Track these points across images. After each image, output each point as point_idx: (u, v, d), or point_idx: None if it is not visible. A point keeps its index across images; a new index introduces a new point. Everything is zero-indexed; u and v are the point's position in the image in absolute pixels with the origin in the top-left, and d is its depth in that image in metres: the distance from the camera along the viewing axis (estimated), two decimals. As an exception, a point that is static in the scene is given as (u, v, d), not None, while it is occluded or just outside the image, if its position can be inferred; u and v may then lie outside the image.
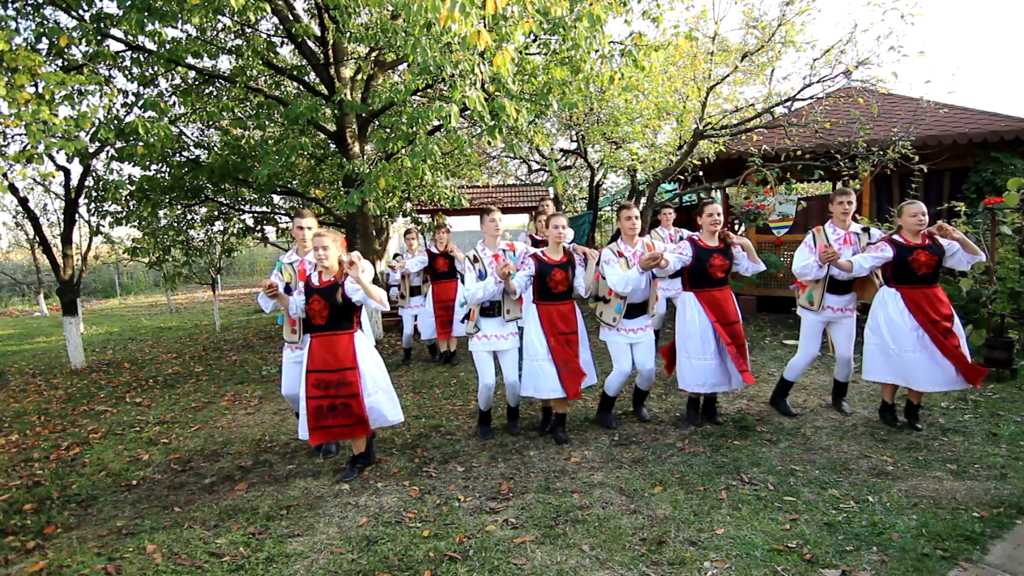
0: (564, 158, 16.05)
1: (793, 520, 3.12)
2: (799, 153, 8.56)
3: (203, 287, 14.51)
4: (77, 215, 8.95)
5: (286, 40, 7.91)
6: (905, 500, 3.28)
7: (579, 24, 5.34)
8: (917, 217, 4.16)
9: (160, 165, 8.01)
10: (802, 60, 30.77)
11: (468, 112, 5.48)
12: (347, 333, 3.82)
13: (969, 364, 4.02)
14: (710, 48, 8.62)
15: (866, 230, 4.53)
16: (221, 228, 10.37)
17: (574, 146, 14.70)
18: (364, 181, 6.25)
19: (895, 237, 4.26)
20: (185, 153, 8.27)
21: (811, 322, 4.63)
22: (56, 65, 6.39)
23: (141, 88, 7.15)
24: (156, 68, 7.04)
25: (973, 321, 6.11)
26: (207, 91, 7.72)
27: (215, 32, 7.51)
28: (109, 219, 8.49)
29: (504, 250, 4.43)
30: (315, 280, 3.85)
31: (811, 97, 8.67)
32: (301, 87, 8.59)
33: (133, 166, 7.71)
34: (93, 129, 5.95)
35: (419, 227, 9.85)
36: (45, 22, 6.03)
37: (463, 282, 4.50)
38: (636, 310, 4.48)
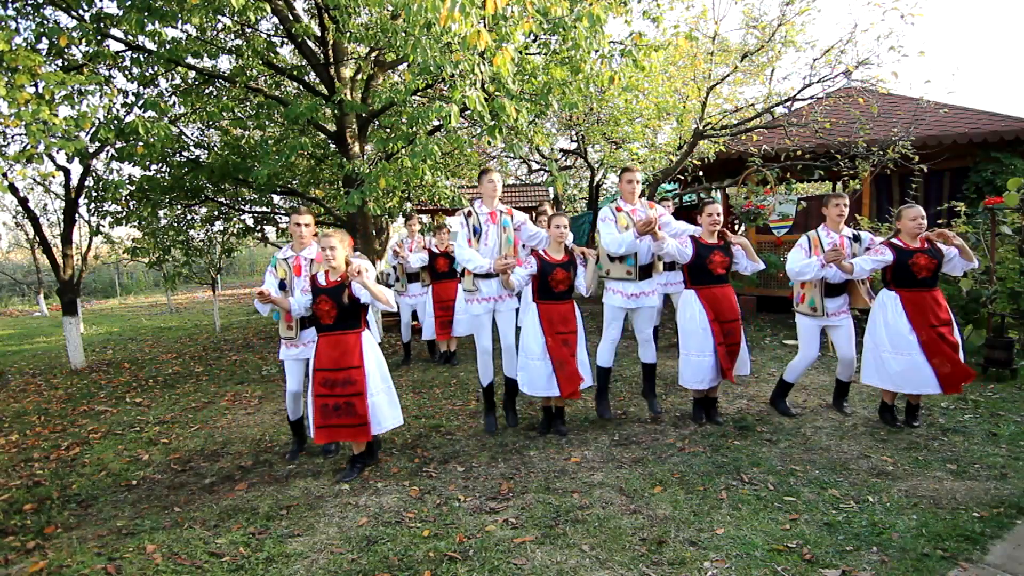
0: (564, 158, 16.05)
1: (793, 520, 3.12)
2: (799, 153, 8.56)
3: (203, 287, 14.51)
4: (77, 215, 8.95)
5: (286, 40, 7.90)
6: (905, 500, 3.28)
7: (579, 24, 5.34)
8: (916, 221, 4.18)
9: (160, 165, 8.00)
10: (802, 60, 30.81)
11: (468, 112, 5.48)
12: (355, 332, 3.85)
13: (957, 370, 4.04)
14: (710, 48, 8.63)
15: (856, 238, 4.54)
16: (221, 228, 10.36)
17: (574, 146, 14.70)
18: (364, 181, 6.25)
19: (894, 241, 4.26)
20: (185, 153, 8.26)
21: (808, 326, 4.64)
22: (56, 65, 6.38)
23: (141, 88, 7.14)
24: (156, 68, 7.03)
25: (973, 321, 6.11)
26: (207, 91, 7.72)
27: (215, 32, 7.50)
28: (109, 219, 8.48)
29: (501, 211, 4.44)
30: (322, 280, 3.87)
31: (811, 97, 8.67)
32: (301, 87, 8.59)
33: (133, 166, 7.70)
34: (93, 129, 5.95)
35: (422, 227, 9.85)
36: (45, 22, 6.02)
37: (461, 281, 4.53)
38: (642, 272, 4.53)
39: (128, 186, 8.06)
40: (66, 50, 6.44)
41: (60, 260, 8.42)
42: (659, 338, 7.58)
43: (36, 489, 4.11)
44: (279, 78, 8.81)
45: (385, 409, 3.87)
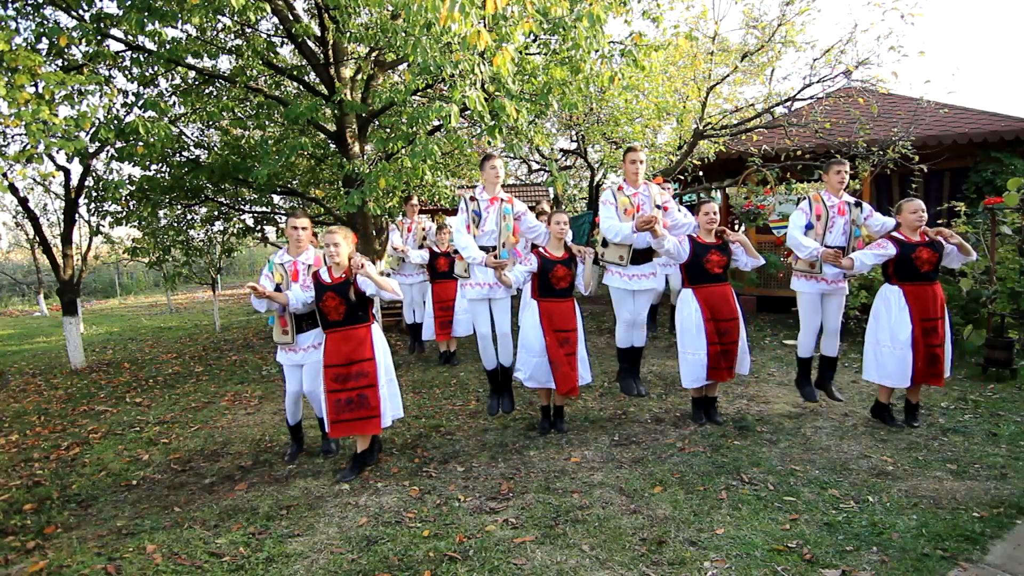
0: (564, 158, 16.04)
1: (793, 520, 3.12)
2: (799, 153, 8.56)
3: (203, 287, 14.51)
4: (77, 215, 8.95)
5: (286, 40, 7.90)
6: (905, 500, 3.28)
7: (579, 24, 5.34)
8: (917, 214, 4.18)
9: (160, 165, 7.99)
10: (802, 60, 30.73)
11: (468, 112, 5.48)
12: (364, 326, 3.89)
13: (937, 367, 4.13)
14: (710, 48, 8.63)
15: (858, 204, 4.57)
16: (221, 228, 10.36)
17: (574, 146, 14.69)
18: (364, 181, 6.24)
19: (895, 234, 4.26)
20: (185, 153, 8.26)
21: (808, 295, 4.64)
22: (56, 65, 6.38)
23: (141, 88, 7.14)
24: (156, 68, 7.03)
25: (973, 321, 6.12)
26: (207, 91, 7.72)
27: (215, 32, 7.50)
28: (109, 219, 8.47)
29: (502, 199, 4.45)
30: (326, 277, 3.88)
31: (811, 97, 8.68)
32: (301, 87, 8.59)
33: (133, 166, 7.70)
34: (93, 129, 5.94)
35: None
36: (45, 22, 6.02)
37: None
38: (640, 256, 4.52)
39: (128, 186, 8.05)
40: (66, 50, 6.44)
41: (60, 260, 8.42)
42: (656, 320, 7.61)
43: (36, 489, 4.11)
44: (279, 78, 8.80)
45: (388, 401, 3.93)
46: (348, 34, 7.16)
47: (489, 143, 6.09)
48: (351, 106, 6.97)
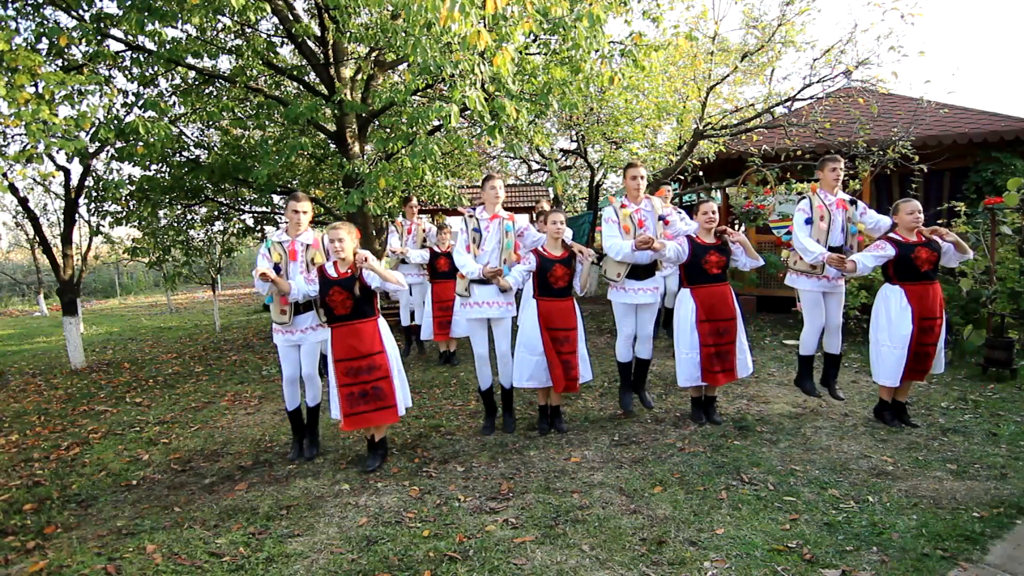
0: (564, 158, 16.04)
1: (793, 520, 3.12)
2: (799, 153, 8.56)
3: (203, 287, 14.50)
4: (77, 215, 8.95)
5: (286, 40, 7.91)
6: (905, 500, 3.28)
7: (579, 24, 5.34)
8: (914, 215, 4.20)
9: (160, 165, 8.00)
10: (802, 60, 30.75)
11: (468, 112, 5.48)
12: (371, 320, 3.93)
13: (922, 363, 4.19)
14: (710, 48, 8.63)
15: (853, 202, 4.59)
16: (221, 228, 10.36)
17: (574, 146, 14.69)
18: (364, 181, 6.25)
19: (892, 235, 4.27)
20: (185, 153, 8.27)
21: (810, 294, 4.65)
22: (56, 65, 6.38)
23: (141, 88, 7.15)
24: (156, 68, 7.03)
25: (973, 321, 6.12)
26: (207, 91, 7.72)
27: (215, 32, 7.50)
28: (109, 219, 8.48)
29: (503, 217, 4.46)
30: (332, 271, 3.90)
31: (811, 97, 8.68)
32: (301, 87, 8.59)
33: (133, 166, 7.71)
34: (93, 129, 5.95)
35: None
36: (45, 22, 6.03)
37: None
38: (642, 271, 4.55)
39: (128, 186, 8.06)
40: (66, 50, 6.44)
41: (60, 260, 8.42)
42: (659, 322, 7.59)
43: (36, 489, 4.11)
44: (279, 78, 8.81)
45: (400, 391, 3.98)
46: (348, 34, 7.17)
47: (489, 143, 6.10)
48: (351, 106, 6.97)
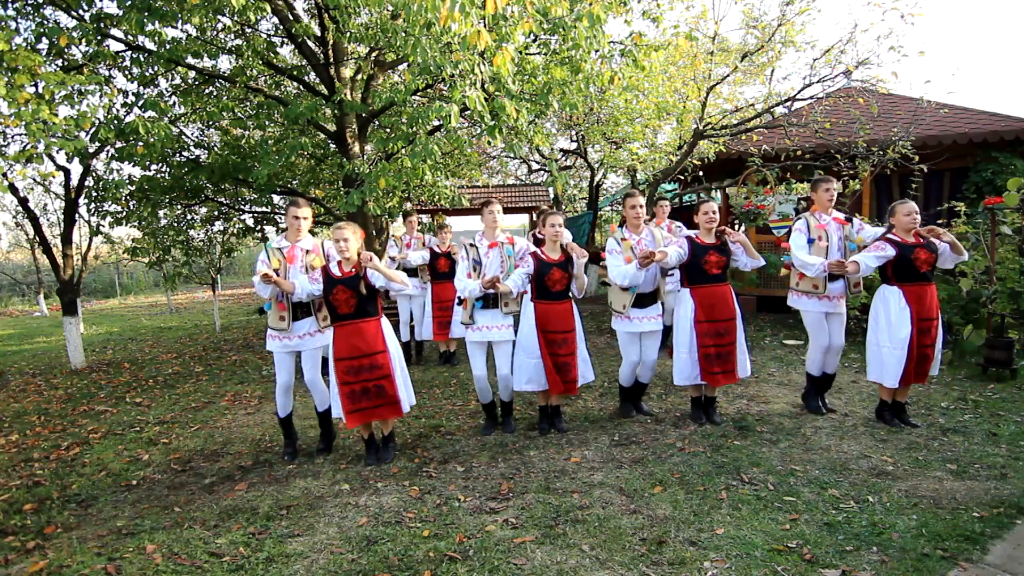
0: (564, 158, 16.05)
1: (793, 520, 3.12)
2: (799, 153, 8.56)
3: (203, 287, 14.50)
4: (77, 215, 8.95)
5: (286, 40, 7.91)
6: (905, 500, 3.28)
7: (579, 24, 5.34)
8: (911, 216, 4.20)
9: (160, 165, 8.00)
10: (802, 60, 30.76)
11: (468, 112, 5.48)
12: (374, 319, 3.96)
13: (923, 366, 4.22)
14: (710, 48, 8.62)
15: (850, 219, 4.60)
16: (221, 228, 10.37)
17: (574, 146, 14.70)
18: (364, 181, 6.25)
19: (891, 236, 4.26)
20: (185, 153, 8.26)
21: (813, 314, 4.63)
22: (56, 65, 6.38)
23: (141, 88, 7.15)
24: (156, 68, 7.03)
25: (973, 321, 6.12)
26: (207, 91, 7.72)
27: (215, 32, 7.50)
28: (109, 219, 8.48)
29: (502, 242, 4.46)
30: (336, 271, 3.93)
31: (811, 97, 8.67)
32: (301, 87, 8.59)
33: (133, 166, 7.70)
34: (93, 129, 5.95)
35: (421, 227, 9.85)
36: (45, 22, 6.03)
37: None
38: (646, 299, 4.56)
39: (128, 186, 8.06)
40: (66, 50, 6.44)
41: (60, 260, 8.42)
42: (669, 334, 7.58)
43: (36, 489, 4.11)
44: (279, 78, 8.81)
45: (403, 389, 4.01)
46: (348, 34, 7.16)
47: (489, 143, 6.09)
48: (351, 106, 6.97)
